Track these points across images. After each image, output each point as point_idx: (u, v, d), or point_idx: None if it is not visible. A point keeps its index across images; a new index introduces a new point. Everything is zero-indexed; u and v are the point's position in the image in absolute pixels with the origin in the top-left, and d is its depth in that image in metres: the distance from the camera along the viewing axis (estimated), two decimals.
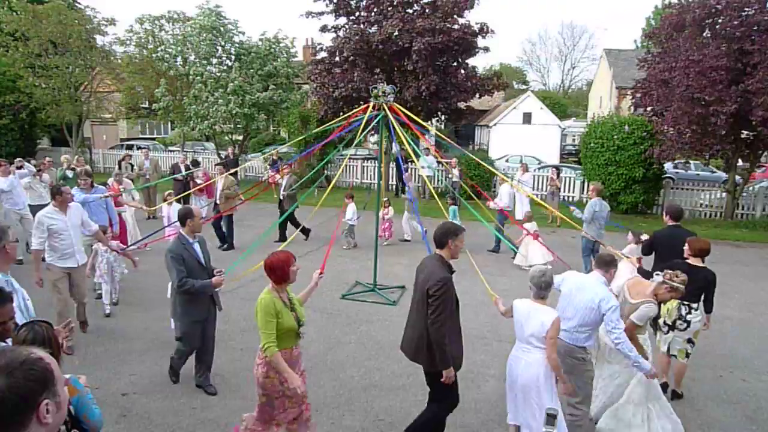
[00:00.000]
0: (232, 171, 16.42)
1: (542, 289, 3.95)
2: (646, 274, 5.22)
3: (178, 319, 5.06)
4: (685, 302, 5.03)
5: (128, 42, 23.26)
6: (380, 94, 7.75)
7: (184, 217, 4.92)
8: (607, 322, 4.08)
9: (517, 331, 4.06)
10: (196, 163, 14.86)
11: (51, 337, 2.62)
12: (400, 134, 7.88)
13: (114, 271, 7.26)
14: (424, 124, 11.23)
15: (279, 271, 3.76)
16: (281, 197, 11.81)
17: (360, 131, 8.68)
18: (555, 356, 3.86)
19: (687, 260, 5.28)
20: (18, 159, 11.62)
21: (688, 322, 5.14)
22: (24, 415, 1.48)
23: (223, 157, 19.48)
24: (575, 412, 4.25)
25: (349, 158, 21.11)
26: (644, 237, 6.81)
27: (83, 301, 6.41)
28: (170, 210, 9.83)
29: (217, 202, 10.88)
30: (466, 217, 11.71)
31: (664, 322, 5.30)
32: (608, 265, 4.39)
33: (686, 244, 5.38)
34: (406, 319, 4.25)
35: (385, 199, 11.74)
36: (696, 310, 5.18)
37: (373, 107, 7.91)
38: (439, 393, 4.01)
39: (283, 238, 11.29)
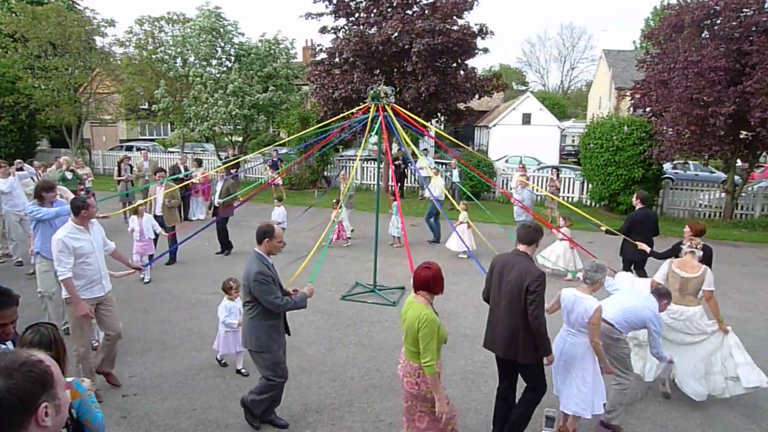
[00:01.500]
0: (229, 164, 16.37)
1: (590, 280, 4.30)
2: (658, 255, 6.63)
3: (264, 349, 4.35)
4: None
5: (128, 43, 23.27)
6: (382, 95, 7.76)
7: (264, 235, 4.34)
8: (652, 332, 4.59)
9: (564, 317, 4.41)
10: (199, 163, 14.88)
11: (56, 339, 2.63)
12: (402, 134, 7.89)
13: None
14: (425, 123, 11.24)
15: (441, 283, 3.72)
16: (216, 204, 10.54)
17: (367, 133, 8.66)
18: (598, 341, 4.19)
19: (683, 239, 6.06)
20: (18, 161, 11.63)
21: None
22: (22, 417, 1.47)
23: (224, 157, 19.45)
24: (622, 381, 4.70)
25: (350, 159, 21.15)
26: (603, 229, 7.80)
27: (118, 333, 5.27)
28: (142, 222, 8.51)
29: (158, 213, 9.68)
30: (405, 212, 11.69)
31: None
32: (662, 296, 4.76)
33: (687, 227, 6.23)
34: (489, 319, 4.44)
35: (335, 200, 11.34)
36: None
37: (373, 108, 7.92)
38: (534, 381, 4.28)
39: (227, 248, 10.61)
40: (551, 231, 9.39)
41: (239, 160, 17.11)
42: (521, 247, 4.24)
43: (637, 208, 7.92)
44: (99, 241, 5.11)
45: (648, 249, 6.99)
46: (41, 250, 6.16)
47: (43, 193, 6.19)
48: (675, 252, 6.12)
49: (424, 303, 3.66)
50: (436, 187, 11.90)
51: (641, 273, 7.59)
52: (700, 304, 5.26)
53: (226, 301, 5.75)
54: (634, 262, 7.75)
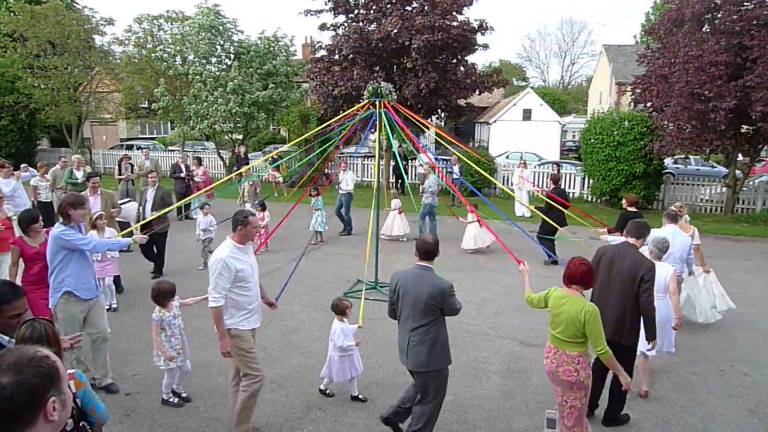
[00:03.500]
0: (243, 169, 16.29)
1: (663, 252, 5.29)
2: (612, 230, 7.62)
3: (447, 363, 4.17)
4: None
5: (127, 42, 23.26)
6: (386, 93, 7.74)
7: (437, 250, 4.17)
8: (690, 253, 6.21)
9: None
10: (199, 161, 14.83)
11: (51, 335, 2.63)
12: (399, 132, 7.88)
13: (185, 347, 5.05)
14: (423, 121, 11.23)
15: (594, 277, 4.10)
16: (146, 216, 8.74)
17: (379, 130, 8.61)
18: (677, 299, 5.35)
19: (626, 209, 8.09)
20: (23, 165, 11.83)
21: None
22: (32, 412, 1.50)
23: (234, 156, 19.30)
24: None
25: (350, 156, 21.10)
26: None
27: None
28: (103, 237, 6.72)
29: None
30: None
31: None
32: (674, 219, 6.37)
33: (624, 199, 8.32)
34: (596, 304, 4.61)
35: (257, 202, 10.71)
36: None
37: (371, 105, 7.90)
38: (630, 361, 4.61)
39: (158, 271, 8.91)
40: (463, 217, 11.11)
41: (249, 166, 16.98)
42: (630, 240, 4.76)
43: (551, 188, 10.04)
44: (256, 263, 4.39)
45: (606, 229, 8.04)
46: (74, 289, 4.77)
47: (70, 210, 4.70)
48: (624, 222, 7.10)
49: (580, 296, 3.96)
50: (349, 181, 12.38)
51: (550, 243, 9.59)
52: None
53: (340, 323, 5.16)
54: (550, 232, 9.45)
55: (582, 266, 3.97)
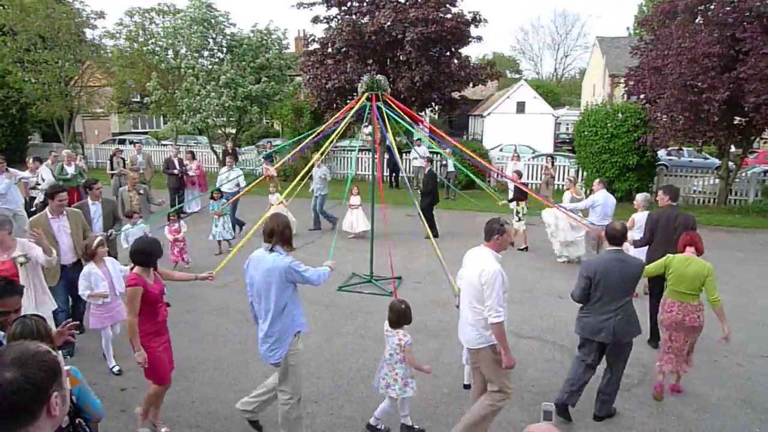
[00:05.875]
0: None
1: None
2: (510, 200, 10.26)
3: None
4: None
5: (118, 35, 23.11)
6: (384, 85, 7.70)
7: (624, 236, 4.66)
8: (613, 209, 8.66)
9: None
10: (193, 156, 14.71)
11: (40, 331, 2.61)
12: (395, 124, 7.85)
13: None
14: (415, 117, 11.21)
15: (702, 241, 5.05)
16: (106, 236, 6.43)
17: (377, 123, 8.54)
18: None
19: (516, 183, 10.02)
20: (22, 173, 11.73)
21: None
22: (37, 406, 1.50)
23: (222, 150, 19.18)
24: None
25: (346, 150, 21.03)
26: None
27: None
28: (108, 270, 5.54)
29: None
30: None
31: (524, 214, 10.37)
32: (604, 185, 8.95)
33: (513, 173, 10.46)
34: (665, 251, 5.54)
35: (172, 209, 9.94)
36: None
37: (373, 98, 7.86)
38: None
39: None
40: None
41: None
42: (673, 203, 6.22)
43: (427, 169, 11.82)
44: None
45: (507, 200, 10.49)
46: (302, 326, 4.10)
47: (288, 232, 4.12)
48: (517, 192, 10.14)
49: (698, 257, 4.90)
50: (240, 180, 11.58)
51: (430, 216, 10.91)
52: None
53: None
54: (427, 209, 11.02)
55: (696, 235, 5.13)
